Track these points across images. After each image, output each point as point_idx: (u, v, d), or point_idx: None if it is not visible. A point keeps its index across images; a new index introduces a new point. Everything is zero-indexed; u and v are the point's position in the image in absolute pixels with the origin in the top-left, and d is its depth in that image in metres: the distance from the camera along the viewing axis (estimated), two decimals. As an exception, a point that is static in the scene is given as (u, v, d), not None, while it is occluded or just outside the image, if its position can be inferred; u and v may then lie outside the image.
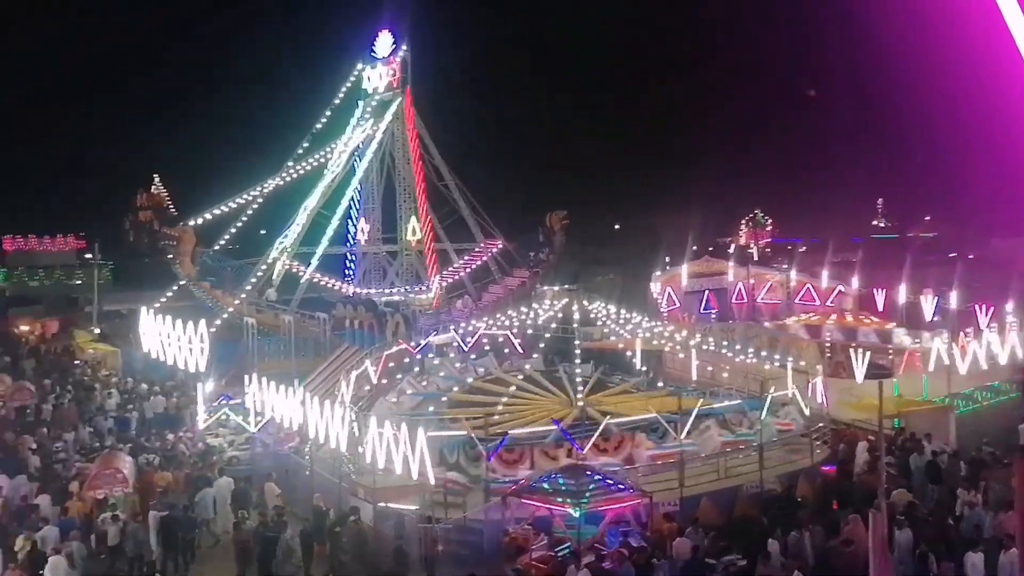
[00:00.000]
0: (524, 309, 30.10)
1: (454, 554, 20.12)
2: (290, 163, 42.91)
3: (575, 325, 26.39)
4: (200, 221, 43.64)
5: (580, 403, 24.71)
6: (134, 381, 40.45)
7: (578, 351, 25.72)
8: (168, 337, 35.93)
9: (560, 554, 19.03)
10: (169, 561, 21.22)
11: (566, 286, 42.96)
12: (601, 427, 23.02)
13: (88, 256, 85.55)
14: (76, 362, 49.03)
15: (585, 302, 28.77)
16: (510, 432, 22.59)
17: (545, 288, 42.46)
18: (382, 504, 21.27)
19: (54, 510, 22.43)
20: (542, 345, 29.22)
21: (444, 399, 25.27)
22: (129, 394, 38.50)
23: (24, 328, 64.77)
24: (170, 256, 43.58)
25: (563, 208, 49.58)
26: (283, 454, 26.77)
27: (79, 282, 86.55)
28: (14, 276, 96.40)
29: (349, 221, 45.77)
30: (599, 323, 29.88)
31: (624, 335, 30.23)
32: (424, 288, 45.26)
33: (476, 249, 47.63)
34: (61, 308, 71.09)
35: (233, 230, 44.05)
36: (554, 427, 23.26)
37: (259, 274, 41.54)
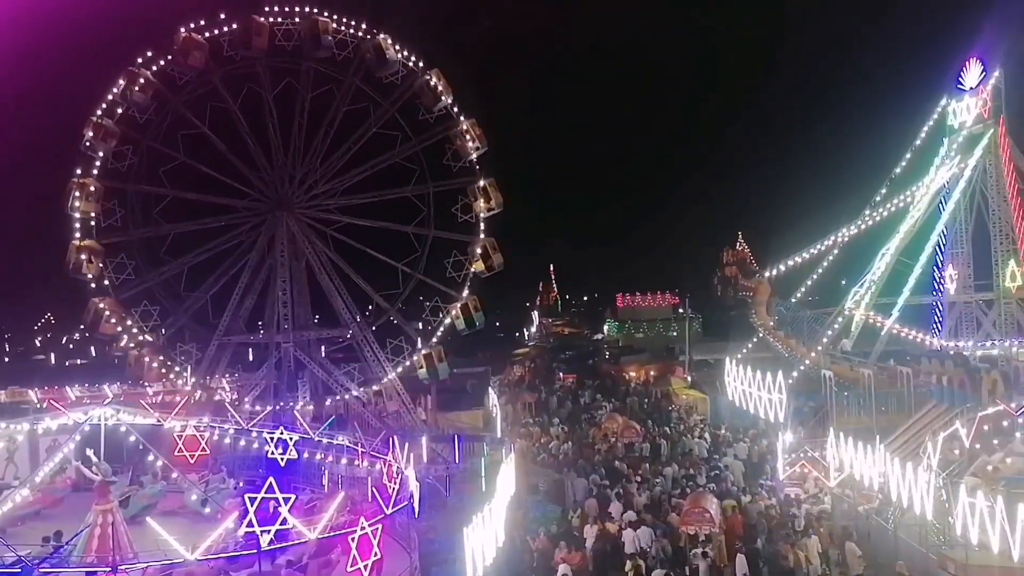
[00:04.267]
0: None
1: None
2: (867, 210, 41.44)
3: None
4: (775, 272, 44.75)
5: None
6: (723, 428, 43.08)
7: None
8: (749, 386, 37.64)
9: None
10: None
11: None
12: None
13: (681, 310, 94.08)
14: (671, 407, 54.13)
15: None
16: None
17: None
18: (977, 583, 19.07)
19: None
20: None
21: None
22: (716, 439, 41.11)
23: (632, 373, 73.85)
24: (749, 308, 45.64)
25: None
26: (862, 514, 25.76)
27: (674, 333, 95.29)
28: (624, 328, 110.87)
29: (935, 268, 42.03)
30: None
31: None
32: (1029, 341, 39.09)
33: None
34: (660, 356, 79.05)
35: (809, 281, 44.16)
36: None
37: (835, 325, 40.79)
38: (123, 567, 17.91)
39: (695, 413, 50.39)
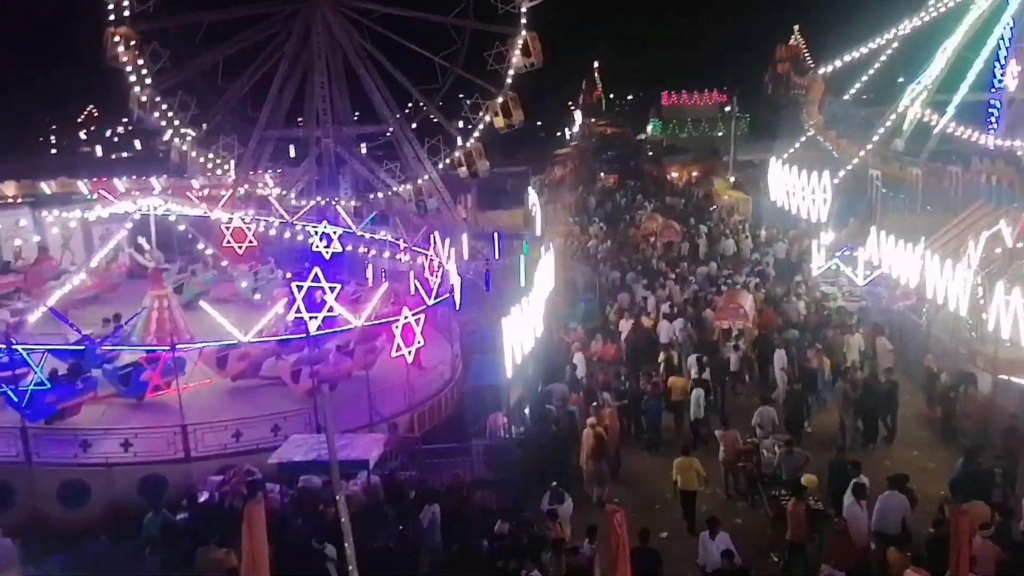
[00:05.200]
0: None
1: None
2: (931, 0, 38.36)
3: None
4: (830, 69, 42.57)
5: None
6: (763, 227, 42.99)
7: None
8: (794, 187, 37.09)
9: None
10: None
11: None
12: None
13: (728, 109, 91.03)
14: (712, 207, 53.88)
15: None
16: None
17: None
18: (1004, 376, 19.41)
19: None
20: None
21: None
22: (755, 239, 41.17)
23: (674, 174, 73.11)
24: (800, 106, 43.97)
25: None
26: (897, 311, 26.05)
27: (720, 133, 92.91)
28: (669, 127, 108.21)
29: (996, 63, 39.34)
30: None
31: None
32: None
33: None
34: (704, 157, 77.70)
35: (865, 77, 41.96)
36: None
37: (887, 124, 39.19)
38: (180, 347, 18.96)
39: (736, 214, 50.17)
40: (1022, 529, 13.41)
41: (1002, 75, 38.78)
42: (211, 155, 40.31)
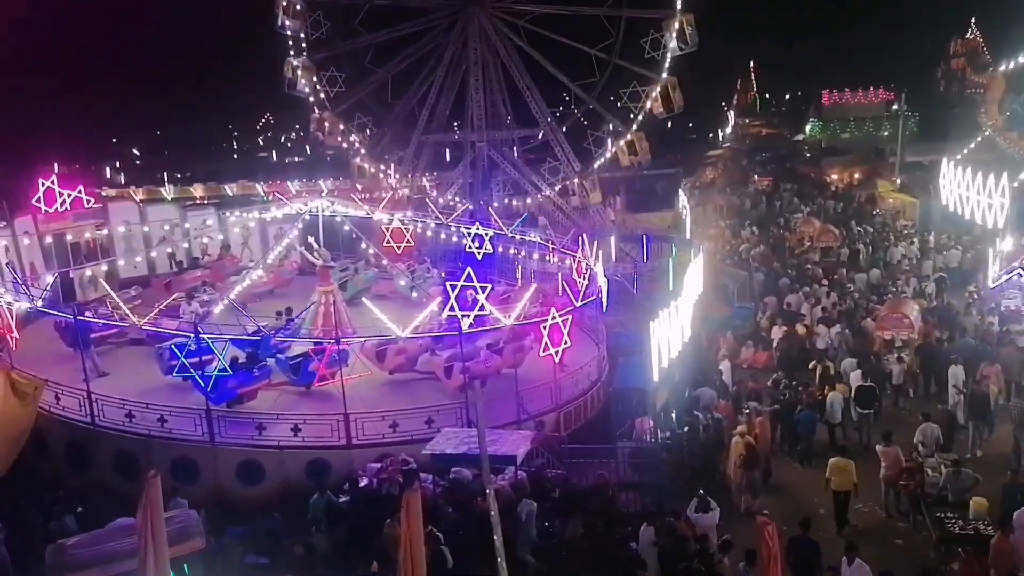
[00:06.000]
0: None
1: None
2: None
3: None
4: (1012, 65, 39.51)
5: None
6: (931, 233, 40.47)
7: None
8: (968, 190, 34.76)
9: None
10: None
11: None
12: None
13: (895, 107, 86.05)
14: (876, 212, 51.21)
15: None
16: None
17: None
18: None
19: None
20: None
21: None
22: (924, 245, 38.82)
23: (834, 176, 69.97)
24: (979, 105, 41.13)
25: None
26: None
27: (886, 133, 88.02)
28: (829, 128, 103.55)
29: None
30: None
31: None
32: None
33: None
34: (867, 158, 73.89)
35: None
36: None
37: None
38: (345, 340, 20.05)
39: (902, 218, 47.48)
40: None
41: None
42: (379, 163, 42.86)
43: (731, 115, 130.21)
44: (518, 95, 43.43)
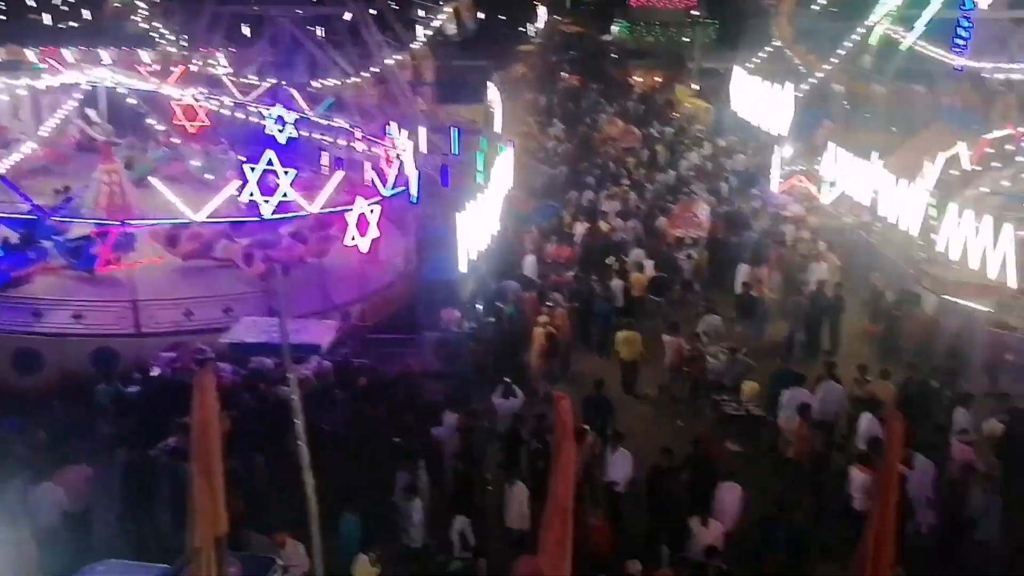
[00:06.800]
0: None
1: (1024, 369, 18.30)
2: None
3: None
4: (803, -20, 41.84)
5: None
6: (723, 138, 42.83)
7: None
8: (757, 98, 36.91)
9: None
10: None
11: None
12: None
13: (696, 14, 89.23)
14: (674, 114, 53.44)
15: None
16: None
17: None
18: (948, 297, 19.97)
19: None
20: None
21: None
22: (716, 149, 41.06)
23: (638, 79, 72.04)
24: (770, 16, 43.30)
25: None
26: (847, 227, 26.47)
27: (687, 40, 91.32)
28: (635, 30, 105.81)
29: (970, -23, 38.86)
30: None
31: None
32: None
33: None
34: (669, 63, 76.49)
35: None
36: None
37: (855, 39, 38.84)
38: (131, 223, 18.51)
39: (697, 123, 49.86)
40: (954, 441, 14.05)
41: (975, -9, 38.33)
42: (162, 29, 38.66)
43: (542, 10, 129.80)
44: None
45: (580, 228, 27.19)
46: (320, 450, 9.47)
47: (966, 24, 38.96)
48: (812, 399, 15.40)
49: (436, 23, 40.63)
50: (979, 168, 23.53)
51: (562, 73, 76.07)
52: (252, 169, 19.14)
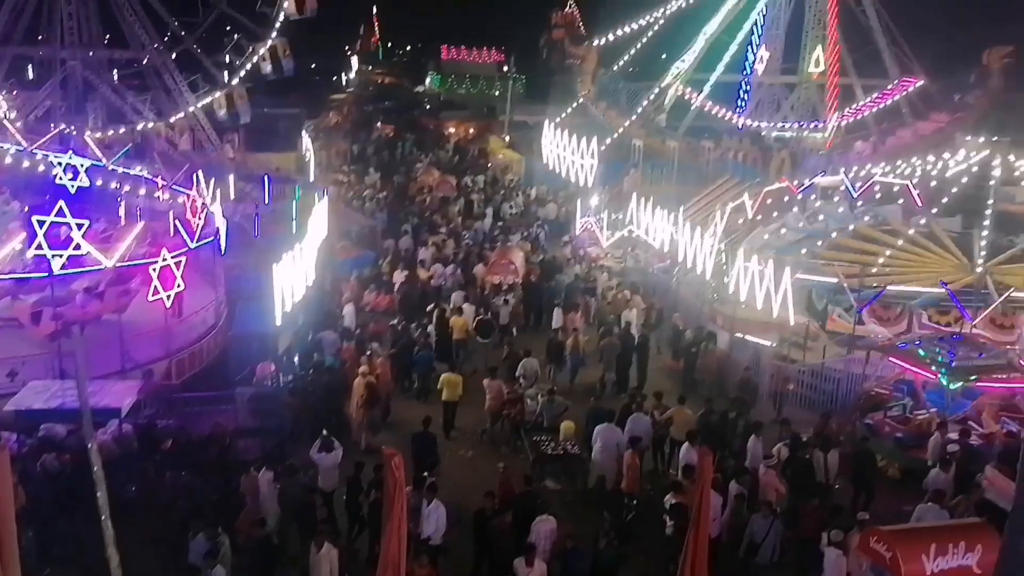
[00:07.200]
0: (932, 159, 27.12)
1: (804, 396, 20.14)
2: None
3: (992, 183, 23.35)
4: (604, 42, 44.55)
5: (979, 269, 22.26)
6: (534, 187, 44.47)
7: (989, 212, 22.85)
8: (564, 150, 38.72)
9: (920, 417, 18.13)
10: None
11: (993, 138, 37.34)
12: (1002, 299, 20.47)
13: (505, 69, 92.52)
14: (488, 165, 54.93)
15: (1012, 157, 25.15)
16: (890, 288, 21.13)
17: (967, 138, 37.36)
18: (739, 335, 21.70)
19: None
20: (945, 200, 26.26)
21: (820, 243, 24.17)
22: (527, 199, 42.55)
23: (451, 129, 73.48)
24: (575, 75, 45.68)
25: (1009, 44, 42.21)
26: (652, 271, 28.22)
27: (497, 93, 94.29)
28: (447, 82, 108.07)
29: (749, 48, 43.37)
30: (1024, 184, 26.07)
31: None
32: (820, 126, 42.33)
33: (889, 87, 42.67)
34: (481, 114, 78.66)
35: (632, 52, 44.43)
36: (941, 290, 21.27)
37: (651, 98, 41.99)
38: None
39: (510, 173, 51.49)
40: (761, 467, 15.09)
41: (753, 60, 42.74)
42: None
43: (355, 60, 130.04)
44: (122, 10, 38.74)
45: (399, 276, 27.24)
46: (119, 521, 8.82)
47: (746, 87, 43.29)
48: (617, 434, 16.10)
49: (251, 62, 39.54)
50: (760, 217, 25.82)
51: (377, 123, 76.31)
52: (40, 222, 17.67)
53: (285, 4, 38.43)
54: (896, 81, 42.43)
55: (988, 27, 44.20)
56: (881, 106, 42.39)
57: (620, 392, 20.93)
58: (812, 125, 42.28)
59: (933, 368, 17.91)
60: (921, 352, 18.42)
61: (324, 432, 15.39)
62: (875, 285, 20.82)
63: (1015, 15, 40.90)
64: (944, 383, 17.72)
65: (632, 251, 30.10)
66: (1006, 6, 42.39)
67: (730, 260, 22.50)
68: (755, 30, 42.78)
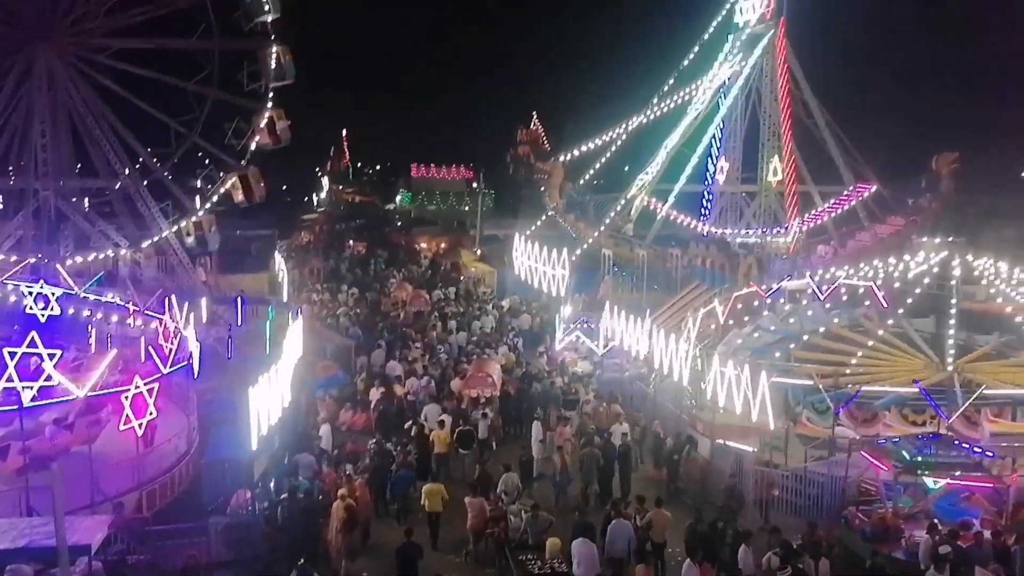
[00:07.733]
0: (893, 261, 27.92)
1: (790, 502, 19.93)
2: (655, 100, 43.40)
3: (953, 283, 24.01)
4: (569, 157, 46.08)
5: (950, 367, 22.62)
6: (507, 299, 44.84)
7: (953, 311, 23.40)
8: (536, 262, 39.35)
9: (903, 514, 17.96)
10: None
11: (949, 239, 38.69)
12: (974, 397, 20.73)
13: (474, 185, 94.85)
14: (460, 278, 55.47)
15: (970, 257, 25.99)
16: (863, 388, 21.34)
17: (924, 239, 38.69)
18: (720, 441, 21.59)
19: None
20: (910, 301, 26.92)
21: (792, 345, 24.51)
22: (500, 311, 42.80)
23: (423, 245, 74.53)
24: (542, 189, 46.95)
25: (955, 150, 44.43)
26: (628, 379, 28.23)
27: (467, 208, 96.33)
28: (418, 199, 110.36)
29: (709, 159, 45.26)
30: (984, 282, 26.82)
31: (1017, 299, 26.60)
32: (782, 231, 43.69)
33: (845, 193, 44.40)
34: (452, 229, 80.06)
35: (597, 165, 45.97)
36: (914, 388, 21.52)
37: (618, 209, 43.20)
38: None
39: (483, 285, 51.98)
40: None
41: (714, 171, 44.51)
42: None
43: (325, 181, 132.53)
44: (95, 141, 39.31)
45: (375, 393, 26.95)
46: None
47: (708, 197, 44.95)
48: (592, 548, 15.94)
49: (222, 190, 40.03)
50: (732, 322, 26.16)
51: (349, 240, 77.27)
52: (11, 353, 17.42)
53: (257, 137, 39.23)
54: (852, 187, 44.16)
55: (933, 133, 46.64)
56: (839, 211, 43.95)
57: (604, 503, 20.56)
58: (775, 231, 43.59)
59: (915, 468, 17.90)
60: (905, 454, 18.36)
61: (301, 561, 14.89)
62: (849, 385, 21.04)
63: (957, 122, 43.24)
64: (929, 484, 17.71)
65: (607, 349, 30.17)
66: (947, 114, 44.93)
67: (706, 365, 22.63)
68: (714, 143, 44.72)
